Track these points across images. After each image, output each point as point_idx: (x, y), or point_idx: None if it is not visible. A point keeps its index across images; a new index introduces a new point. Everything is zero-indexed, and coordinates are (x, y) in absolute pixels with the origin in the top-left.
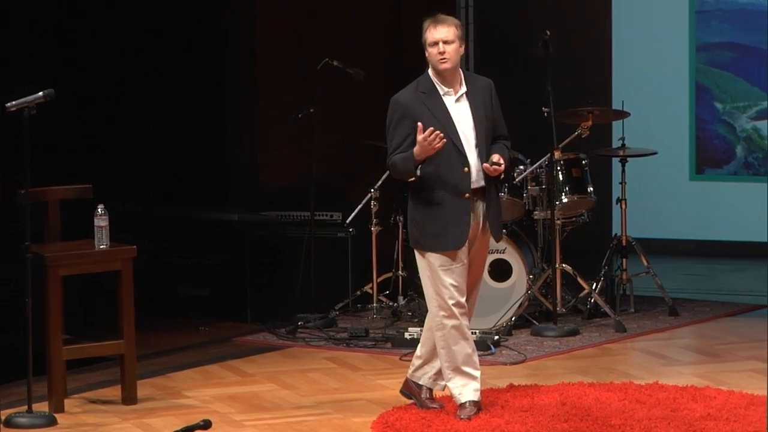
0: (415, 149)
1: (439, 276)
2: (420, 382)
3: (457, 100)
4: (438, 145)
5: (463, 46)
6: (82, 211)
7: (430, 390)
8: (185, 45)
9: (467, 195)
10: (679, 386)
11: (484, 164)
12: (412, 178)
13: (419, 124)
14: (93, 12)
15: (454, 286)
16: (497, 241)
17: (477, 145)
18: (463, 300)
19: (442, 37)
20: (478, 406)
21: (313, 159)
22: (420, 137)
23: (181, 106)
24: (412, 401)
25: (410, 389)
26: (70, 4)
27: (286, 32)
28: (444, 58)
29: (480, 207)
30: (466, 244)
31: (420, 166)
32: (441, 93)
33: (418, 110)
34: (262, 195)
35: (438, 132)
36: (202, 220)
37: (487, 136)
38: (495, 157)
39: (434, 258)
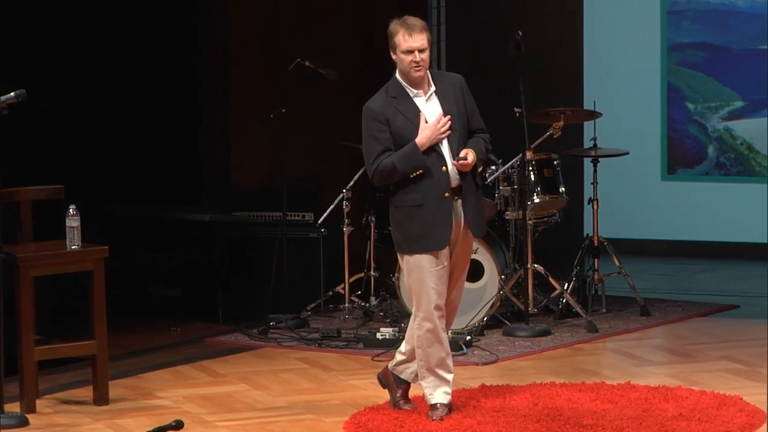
0: (421, 139)
1: (419, 278)
2: (402, 377)
3: (428, 100)
4: (446, 128)
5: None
6: (54, 212)
7: (407, 388)
8: (158, 45)
9: (446, 194)
10: (651, 386)
11: (452, 161)
12: (419, 171)
13: (422, 113)
14: (66, 12)
15: (433, 289)
16: (478, 236)
17: (451, 143)
18: (441, 303)
19: (418, 46)
20: (449, 407)
21: (285, 159)
22: (431, 123)
23: (153, 107)
24: (385, 396)
25: (387, 380)
26: (42, 3)
27: (258, 32)
28: (419, 67)
29: (459, 206)
30: (448, 246)
31: None
32: (411, 95)
33: (391, 115)
34: (234, 195)
35: (448, 116)
36: (174, 220)
37: (461, 131)
38: (462, 153)
39: (416, 260)
